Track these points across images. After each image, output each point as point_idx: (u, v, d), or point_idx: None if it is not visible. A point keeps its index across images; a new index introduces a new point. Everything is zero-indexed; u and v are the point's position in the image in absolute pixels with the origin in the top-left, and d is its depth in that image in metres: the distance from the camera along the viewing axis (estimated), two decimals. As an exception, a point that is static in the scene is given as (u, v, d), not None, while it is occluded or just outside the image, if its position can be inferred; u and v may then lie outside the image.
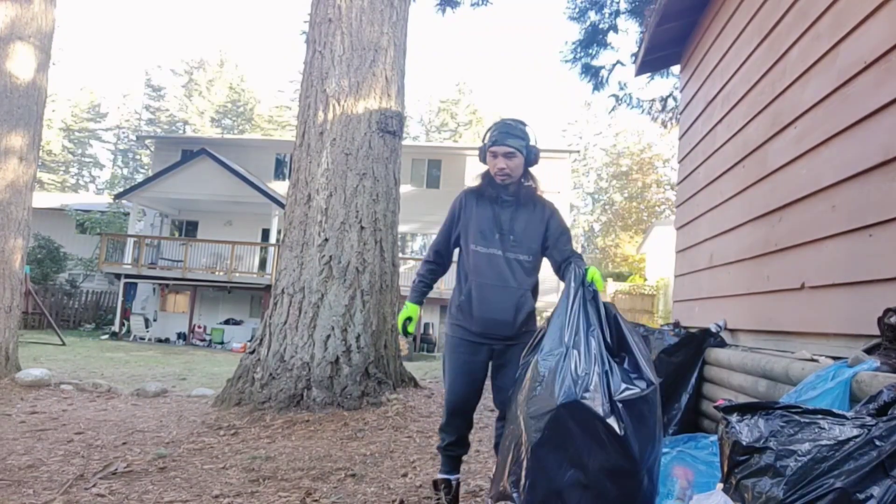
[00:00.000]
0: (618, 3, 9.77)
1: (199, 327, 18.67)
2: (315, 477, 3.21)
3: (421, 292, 2.71)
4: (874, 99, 2.12)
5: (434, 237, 2.77)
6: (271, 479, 3.15)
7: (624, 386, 1.80)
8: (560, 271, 2.50)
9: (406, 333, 2.65)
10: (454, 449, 2.69)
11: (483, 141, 2.63)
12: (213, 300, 19.59)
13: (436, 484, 2.75)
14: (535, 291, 2.61)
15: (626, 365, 1.89)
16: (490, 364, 2.63)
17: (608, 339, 1.95)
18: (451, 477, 2.70)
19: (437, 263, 2.73)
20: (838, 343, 2.29)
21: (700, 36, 4.50)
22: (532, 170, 2.65)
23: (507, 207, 2.59)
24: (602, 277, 2.52)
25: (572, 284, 2.08)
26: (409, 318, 2.63)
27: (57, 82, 42.25)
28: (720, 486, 1.43)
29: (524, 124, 2.61)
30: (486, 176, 2.64)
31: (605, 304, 2.07)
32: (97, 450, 3.66)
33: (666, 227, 17.85)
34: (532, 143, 2.59)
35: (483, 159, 2.64)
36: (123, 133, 46.83)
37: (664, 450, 2.32)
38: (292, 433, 4.21)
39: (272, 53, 67.09)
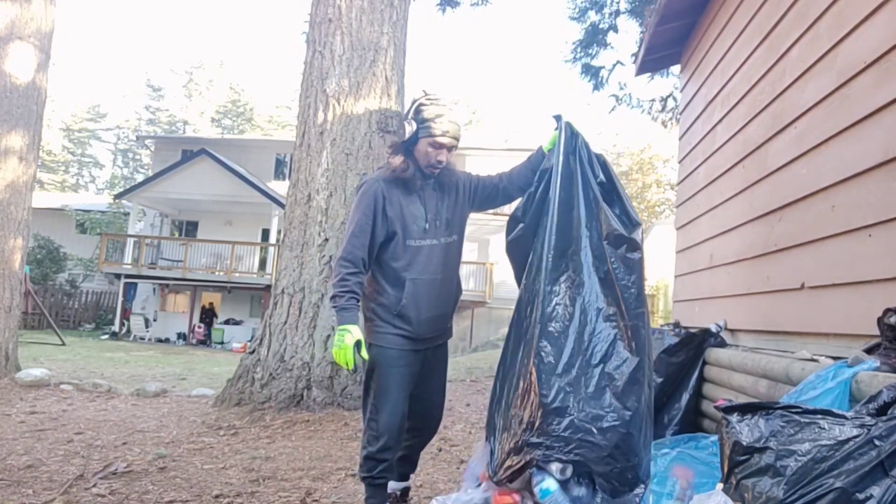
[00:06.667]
0: (618, 3, 9.77)
1: (199, 327, 18.66)
2: (315, 477, 3.21)
3: (356, 308, 2.30)
4: (874, 99, 2.12)
5: (349, 242, 2.32)
6: (271, 479, 3.15)
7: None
8: (507, 175, 2.54)
9: (354, 369, 2.24)
10: (387, 475, 2.38)
11: (416, 120, 2.33)
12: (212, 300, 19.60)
13: None
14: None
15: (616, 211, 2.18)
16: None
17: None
18: (399, 488, 2.60)
19: (363, 272, 2.34)
20: (838, 343, 2.29)
21: (700, 36, 4.50)
22: None
23: (431, 191, 2.43)
24: None
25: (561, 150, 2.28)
26: (359, 342, 2.23)
27: (57, 82, 42.23)
28: (720, 486, 1.43)
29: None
30: (412, 163, 2.37)
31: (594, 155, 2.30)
32: (97, 450, 3.66)
33: (666, 227, 17.86)
34: None
35: (413, 141, 2.35)
36: (123, 133, 46.78)
37: (664, 450, 2.33)
38: (292, 433, 4.21)
39: (272, 53, 67.14)
